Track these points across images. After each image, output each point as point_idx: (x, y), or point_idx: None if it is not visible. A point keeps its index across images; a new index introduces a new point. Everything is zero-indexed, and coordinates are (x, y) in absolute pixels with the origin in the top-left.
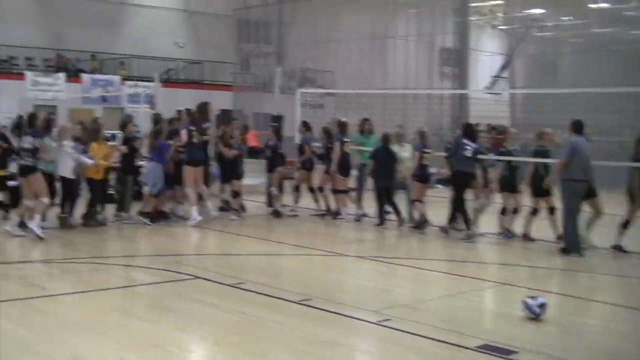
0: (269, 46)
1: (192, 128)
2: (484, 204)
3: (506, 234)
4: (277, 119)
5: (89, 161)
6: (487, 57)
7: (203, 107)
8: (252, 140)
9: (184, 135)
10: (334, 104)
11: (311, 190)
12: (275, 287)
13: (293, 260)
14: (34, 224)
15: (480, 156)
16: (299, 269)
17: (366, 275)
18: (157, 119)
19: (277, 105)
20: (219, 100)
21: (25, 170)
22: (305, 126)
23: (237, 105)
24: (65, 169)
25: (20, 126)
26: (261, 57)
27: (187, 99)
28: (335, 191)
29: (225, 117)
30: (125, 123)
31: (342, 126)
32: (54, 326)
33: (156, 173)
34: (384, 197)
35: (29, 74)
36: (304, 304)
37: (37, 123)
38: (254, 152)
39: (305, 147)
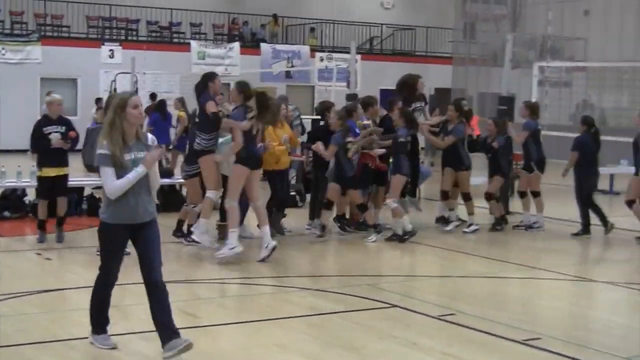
0: (502, 7)
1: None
2: None
3: None
4: (507, 101)
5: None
6: None
7: (409, 81)
8: (476, 129)
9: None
10: (584, 81)
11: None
12: (494, 320)
13: (519, 285)
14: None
15: None
16: (526, 298)
17: (617, 308)
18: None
19: (507, 83)
20: (435, 77)
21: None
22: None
23: (458, 83)
24: (227, 166)
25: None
26: (490, 20)
27: (394, 75)
28: None
29: (443, 98)
30: (327, 108)
31: None
32: None
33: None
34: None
35: (194, 44)
36: (529, 344)
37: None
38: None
39: None
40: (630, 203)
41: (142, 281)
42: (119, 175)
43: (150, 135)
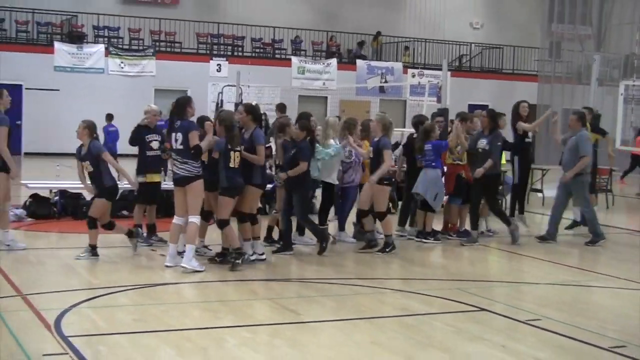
0: (587, 27)
1: None
2: None
3: None
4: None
5: (363, 152)
6: None
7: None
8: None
9: None
10: None
11: None
12: (580, 327)
13: (606, 293)
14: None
15: None
16: (614, 306)
17: None
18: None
19: (593, 100)
20: (522, 93)
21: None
22: None
23: (543, 100)
24: (331, 174)
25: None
26: (576, 40)
27: (482, 91)
28: None
29: (529, 113)
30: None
31: None
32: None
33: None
34: None
35: (295, 60)
36: (615, 352)
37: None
38: None
39: None
40: None
41: None
42: None
43: None
